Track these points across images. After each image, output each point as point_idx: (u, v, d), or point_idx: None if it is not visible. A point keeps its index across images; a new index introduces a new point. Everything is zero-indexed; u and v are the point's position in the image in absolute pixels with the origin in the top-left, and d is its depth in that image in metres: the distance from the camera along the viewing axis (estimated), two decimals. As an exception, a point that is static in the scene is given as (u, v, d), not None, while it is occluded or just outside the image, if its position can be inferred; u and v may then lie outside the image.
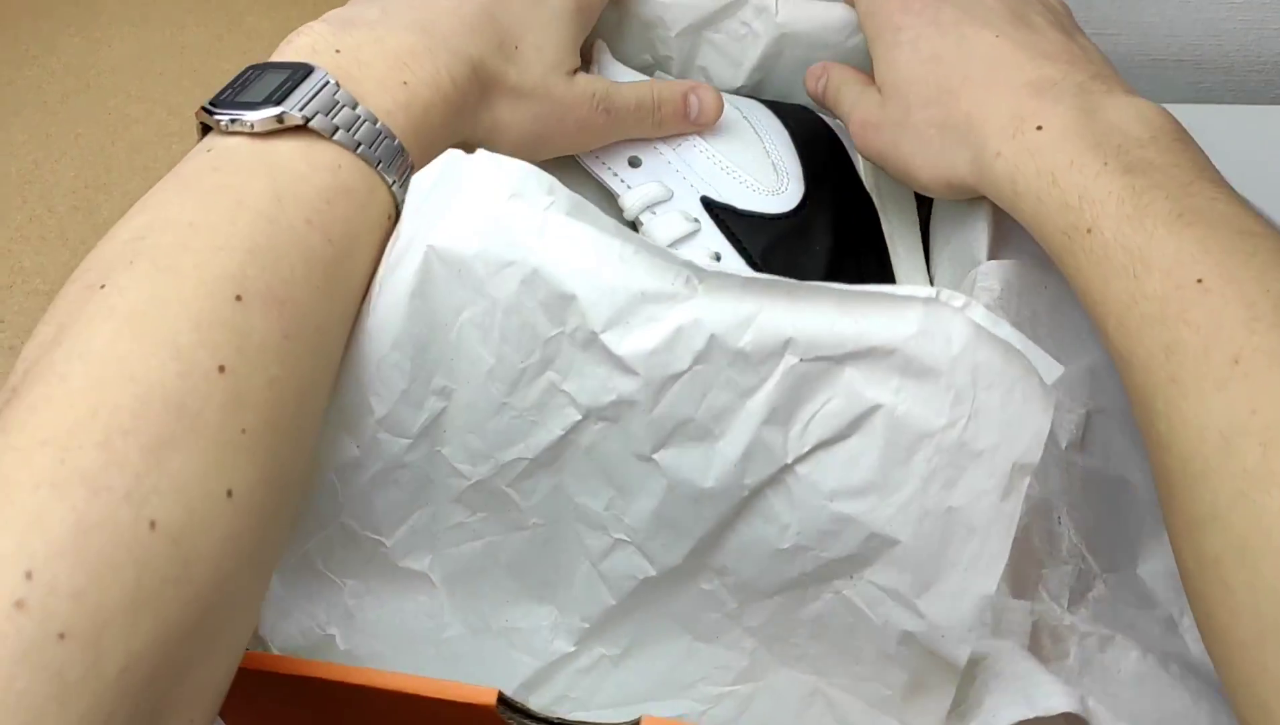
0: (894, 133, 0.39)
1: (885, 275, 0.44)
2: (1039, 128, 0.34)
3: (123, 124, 0.44)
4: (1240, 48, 0.63)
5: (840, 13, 0.49)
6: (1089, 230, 0.32)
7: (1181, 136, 0.34)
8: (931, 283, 0.45)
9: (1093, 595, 0.34)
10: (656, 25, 0.52)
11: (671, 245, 0.43)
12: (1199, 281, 0.29)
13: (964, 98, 0.37)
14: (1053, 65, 0.36)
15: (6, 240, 0.40)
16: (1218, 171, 0.33)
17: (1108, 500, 0.37)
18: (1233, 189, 0.32)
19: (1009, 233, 0.43)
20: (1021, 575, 0.34)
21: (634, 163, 0.45)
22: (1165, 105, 0.70)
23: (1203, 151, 0.34)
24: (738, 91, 0.54)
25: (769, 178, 0.44)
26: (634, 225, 0.45)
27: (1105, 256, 0.31)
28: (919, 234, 0.48)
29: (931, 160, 0.38)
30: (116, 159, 0.43)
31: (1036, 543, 0.34)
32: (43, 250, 0.40)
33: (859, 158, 0.48)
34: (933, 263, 0.47)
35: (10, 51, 0.47)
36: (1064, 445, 0.37)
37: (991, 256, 0.41)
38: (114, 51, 0.47)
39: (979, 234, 0.42)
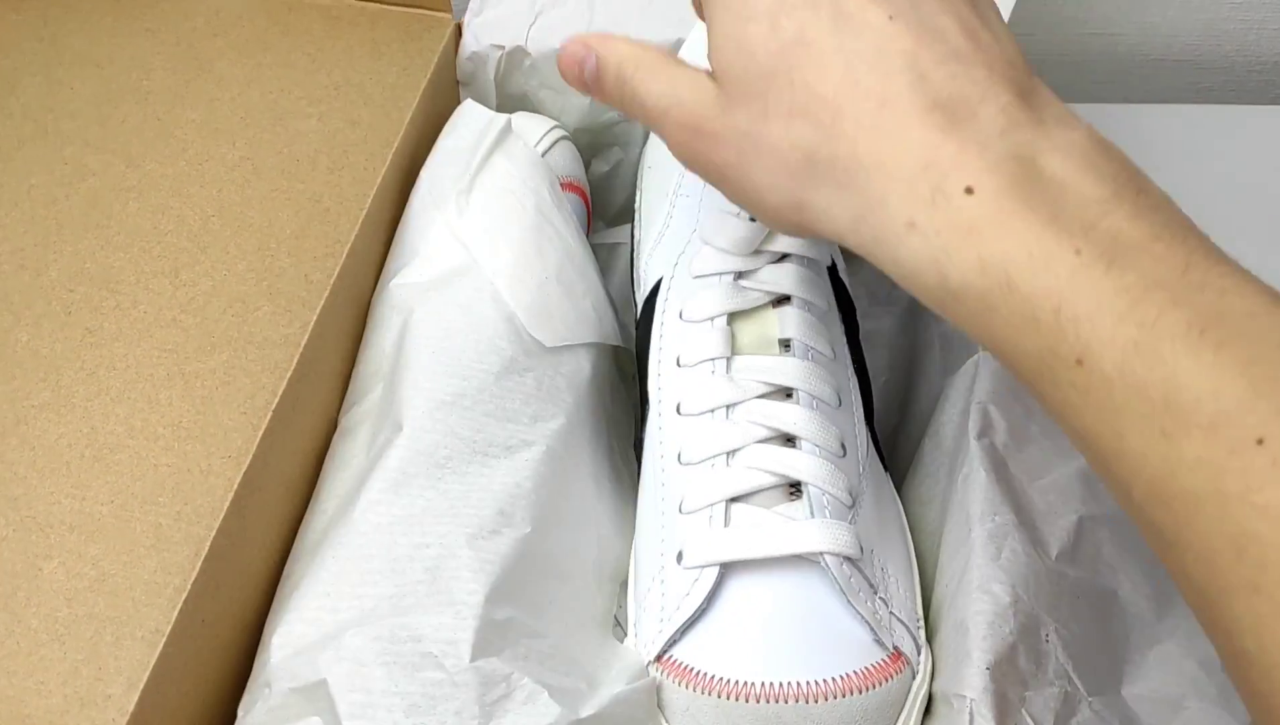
0: (740, 148, 0.29)
1: None
2: (968, 190, 0.25)
3: (79, 175, 0.42)
4: (1240, 48, 0.63)
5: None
6: (1079, 361, 0.23)
7: (1140, 180, 0.26)
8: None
9: (1076, 721, 0.33)
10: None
11: None
12: (1260, 442, 0.21)
13: (848, 118, 0.27)
14: (966, 72, 0.27)
15: (-54, 301, 0.38)
16: (1190, 220, 0.25)
17: (1095, 615, 0.35)
18: (1218, 248, 0.25)
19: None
20: (1004, 698, 0.32)
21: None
22: (1165, 105, 0.70)
23: (1159, 188, 0.26)
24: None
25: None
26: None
27: (1111, 401, 0.23)
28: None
29: (792, 198, 0.28)
30: (69, 214, 0.41)
31: (1023, 664, 0.33)
32: (-17, 314, 0.38)
33: None
34: (915, 347, 0.46)
35: (-33, 90, 0.45)
36: (1054, 554, 0.36)
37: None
38: (75, 94, 0.45)
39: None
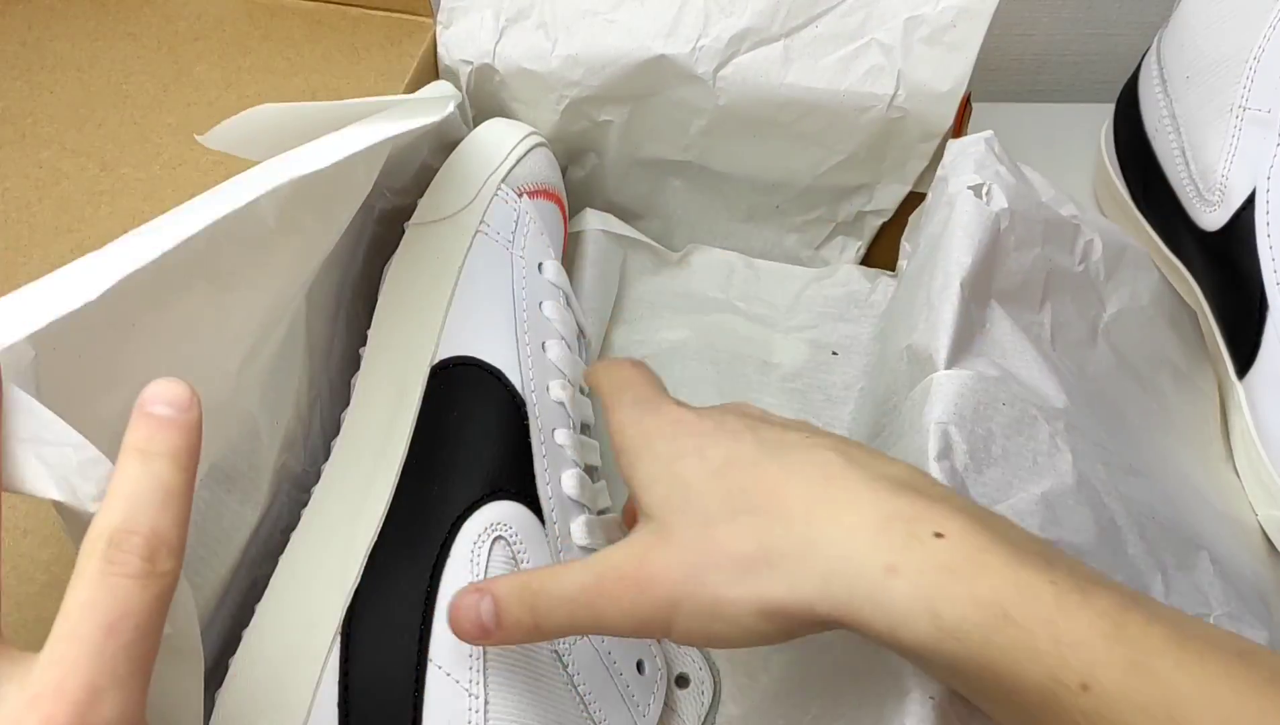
0: (688, 565, 0.29)
1: None
2: (938, 534, 0.26)
3: (52, 179, 0.42)
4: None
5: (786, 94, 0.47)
6: (1084, 686, 0.24)
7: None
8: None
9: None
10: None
11: None
12: None
13: (795, 500, 0.28)
14: (883, 460, 0.30)
15: (-84, 305, 0.38)
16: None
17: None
18: None
19: (972, 336, 0.41)
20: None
21: None
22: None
23: None
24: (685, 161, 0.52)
25: None
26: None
27: (1119, 724, 0.24)
28: None
29: (752, 590, 0.28)
30: (41, 217, 0.41)
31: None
32: (-48, 318, 0.38)
33: None
34: (887, 355, 0.45)
35: (-49, 94, 0.46)
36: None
37: (952, 363, 0.39)
38: (55, 98, 0.45)
39: (941, 334, 0.40)
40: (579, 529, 0.37)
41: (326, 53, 0.48)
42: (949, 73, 0.46)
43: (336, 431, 0.38)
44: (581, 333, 0.44)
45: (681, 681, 0.38)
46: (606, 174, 0.52)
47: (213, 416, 0.33)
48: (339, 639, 0.33)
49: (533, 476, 0.36)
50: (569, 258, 0.50)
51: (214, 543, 0.34)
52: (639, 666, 0.36)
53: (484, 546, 0.34)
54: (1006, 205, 0.41)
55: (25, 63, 0.47)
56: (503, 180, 0.42)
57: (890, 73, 0.46)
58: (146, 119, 0.45)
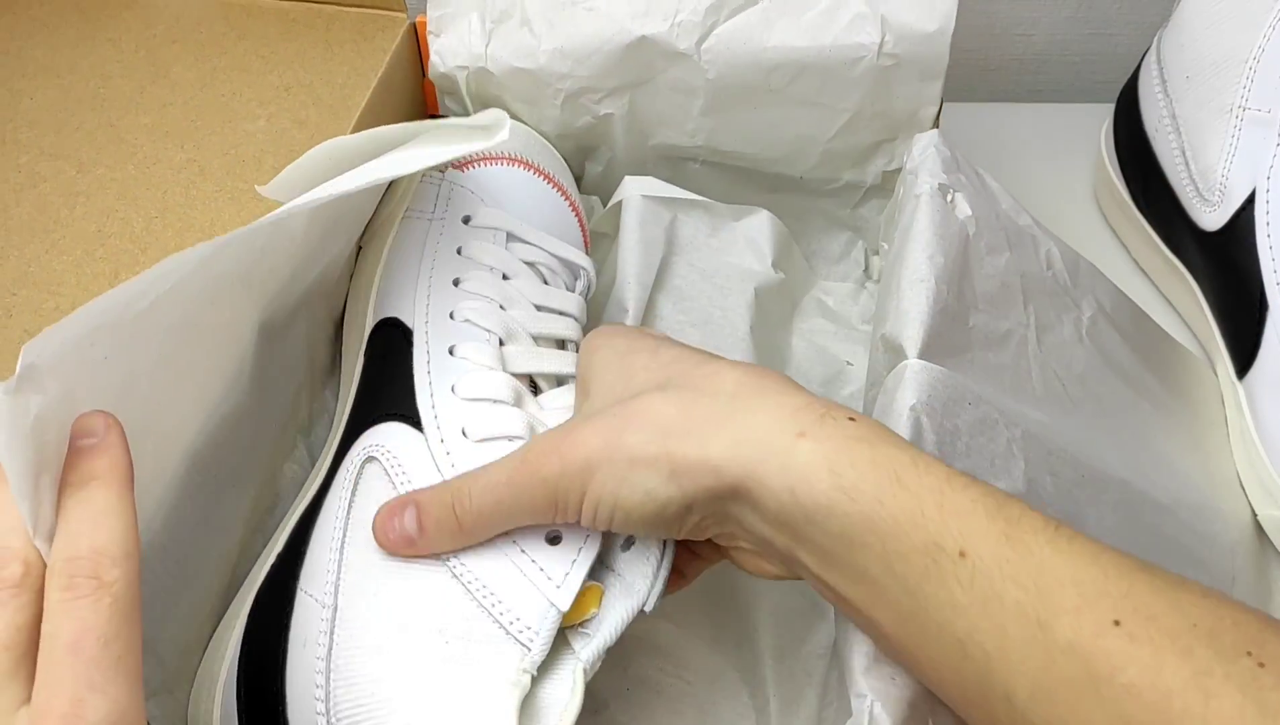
0: (613, 427, 0.30)
1: None
2: (851, 419, 0.29)
3: (31, 182, 0.43)
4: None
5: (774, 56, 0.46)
6: (962, 553, 0.25)
7: None
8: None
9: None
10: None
11: None
12: (1116, 623, 0.24)
13: (727, 381, 0.30)
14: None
15: (-107, 305, 0.38)
16: None
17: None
18: None
19: (950, 334, 0.40)
20: (912, 705, 0.31)
21: None
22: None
23: None
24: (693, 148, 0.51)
25: None
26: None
27: (992, 591, 0.25)
28: None
29: (663, 447, 0.29)
30: (18, 219, 0.41)
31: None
32: (-75, 317, 0.38)
33: None
34: (872, 351, 0.44)
35: (-66, 102, 0.46)
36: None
37: (925, 354, 0.39)
38: (34, 104, 0.46)
39: (910, 323, 0.40)
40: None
41: (300, 50, 0.48)
42: (934, 10, 0.44)
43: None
44: (581, 269, 0.43)
45: (626, 544, 0.35)
46: (623, 167, 0.51)
47: (214, 422, 0.35)
48: (254, 593, 0.35)
49: (413, 392, 0.37)
50: (614, 228, 0.49)
51: (213, 536, 0.36)
52: (553, 539, 0.34)
53: (353, 468, 0.35)
54: (971, 212, 0.41)
55: (6, 71, 0.47)
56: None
57: (873, 19, 0.44)
58: (123, 120, 0.45)
